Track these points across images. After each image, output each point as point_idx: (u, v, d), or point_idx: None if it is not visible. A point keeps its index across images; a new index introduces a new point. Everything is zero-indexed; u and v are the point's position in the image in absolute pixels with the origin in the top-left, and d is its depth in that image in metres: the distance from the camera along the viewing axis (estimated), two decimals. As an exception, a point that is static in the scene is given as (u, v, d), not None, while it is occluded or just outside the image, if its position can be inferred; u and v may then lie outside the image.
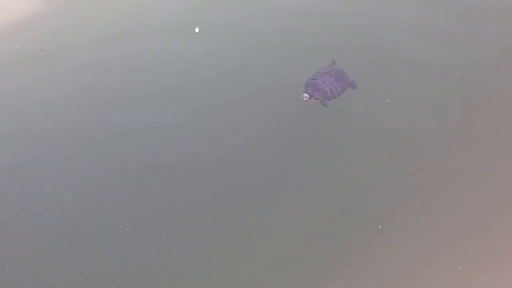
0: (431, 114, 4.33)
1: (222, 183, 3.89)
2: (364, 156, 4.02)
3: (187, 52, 5.18)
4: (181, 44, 5.29)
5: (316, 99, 4.15)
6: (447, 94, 4.51)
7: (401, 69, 4.75)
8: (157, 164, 4.04)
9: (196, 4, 5.90)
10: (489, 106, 4.36)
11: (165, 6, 5.94)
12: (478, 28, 5.24)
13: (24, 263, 3.49)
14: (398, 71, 4.72)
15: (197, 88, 4.72)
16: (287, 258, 3.42)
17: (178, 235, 3.58)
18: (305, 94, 4.15)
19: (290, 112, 4.28)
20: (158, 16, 5.78)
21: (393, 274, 3.31)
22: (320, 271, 3.33)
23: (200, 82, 4.78)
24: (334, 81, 4.18)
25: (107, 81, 4.89)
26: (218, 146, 4.18)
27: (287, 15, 5.54)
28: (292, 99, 4.28)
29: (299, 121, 4.27)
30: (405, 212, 3.62)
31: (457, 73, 4.70)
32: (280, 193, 3.80)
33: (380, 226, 3.52)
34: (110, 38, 5.42)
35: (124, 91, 4.76)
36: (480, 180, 3.79)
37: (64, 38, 5.48)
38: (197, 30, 5.45)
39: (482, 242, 3.42)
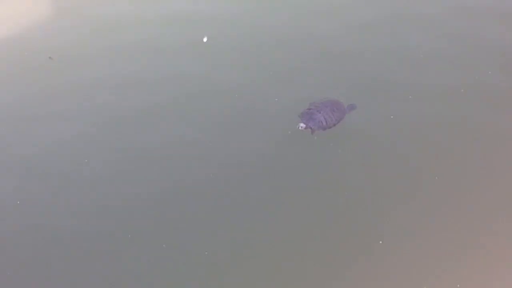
0: (434, 130, 4.38)
1: (224, 194, 3.91)
2: (368, 171, 4.05)
3: (193, 68, 5.19)
4: (187, 60, 5.31)
5: (311, 128, 4.20)
6: (451, 111, 4.56)
7: (406, 87, 4.82)
8: (159, 175, 4.09)
9: (203, 18, 5.95)
10: (493, 124, 4.40)
11: (173, 20, 5.98)
12: (481, 48, 5.30)
13: (27, 269, 3.51)
14: (403, 89, 4.79)
15: (203, 103, 4.76)
16: (287, 268, 3.43)
17: (178, 244, 3.60)
18: (301, 124, 4.20)
19: (294, 127, 4.29)
20: (165, 29, 5.83)
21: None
22: (318, 283, 3.35)
23: (205, 97, 4.82)
24: (330, 111, 4.24)
25: (113, 92, 4.92)
26: (220, 158, 4.22)
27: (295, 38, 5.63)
28: (297, 114, 4.32)
29: (303, 135, 4.29)
30: (405, 228, 3.63)
31: (462, 90, 4.74)
32: (281, 204, 3.83)
33: (380, 242, 3.53)
34: (118, 50, 5.49)
35: (128, 104, 4.79)
36: (483, 197, 3.80)
37: (72, 47, 5.55)
38: (205, 39, 5.50)
39: (482, 259, 3.43)
